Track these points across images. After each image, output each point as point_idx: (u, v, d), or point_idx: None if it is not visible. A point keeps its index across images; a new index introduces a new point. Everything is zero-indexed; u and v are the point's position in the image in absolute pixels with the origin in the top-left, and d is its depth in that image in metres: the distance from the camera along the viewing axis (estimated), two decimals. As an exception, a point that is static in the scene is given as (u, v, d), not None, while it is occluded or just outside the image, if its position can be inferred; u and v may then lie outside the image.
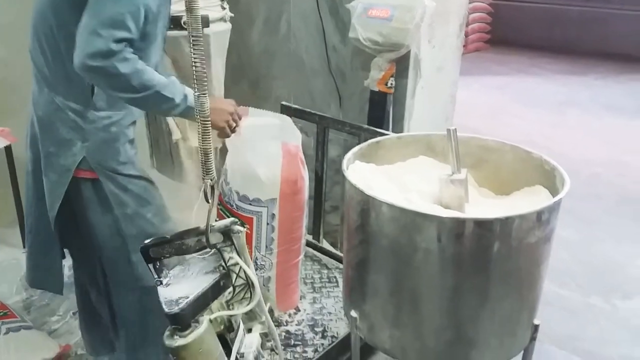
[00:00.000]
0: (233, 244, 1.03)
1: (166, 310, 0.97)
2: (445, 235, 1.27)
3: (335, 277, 2.21)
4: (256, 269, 1.90)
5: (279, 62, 2.68)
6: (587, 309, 2.53)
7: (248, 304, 1.05)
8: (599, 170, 4.08)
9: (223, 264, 1.03)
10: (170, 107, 1.42)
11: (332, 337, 1.88)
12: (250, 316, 1.16)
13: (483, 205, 1.55)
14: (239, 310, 1.04)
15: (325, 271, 2.25)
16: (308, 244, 2.41)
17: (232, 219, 1.08)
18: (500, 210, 1.38)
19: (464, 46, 8.58)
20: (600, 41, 8.06)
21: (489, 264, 1.30)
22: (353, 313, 1.51)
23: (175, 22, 1.81)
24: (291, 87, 2.66)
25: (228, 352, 1.05)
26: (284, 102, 2.29)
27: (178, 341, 0.96)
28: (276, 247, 1.88)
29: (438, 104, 2.42)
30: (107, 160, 1.50)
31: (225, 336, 1.05)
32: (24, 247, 2.70)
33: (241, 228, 1.04)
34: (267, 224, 1.83)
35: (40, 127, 1.50)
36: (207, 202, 1.06)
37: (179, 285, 1.01)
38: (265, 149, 1.78)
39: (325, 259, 2.34)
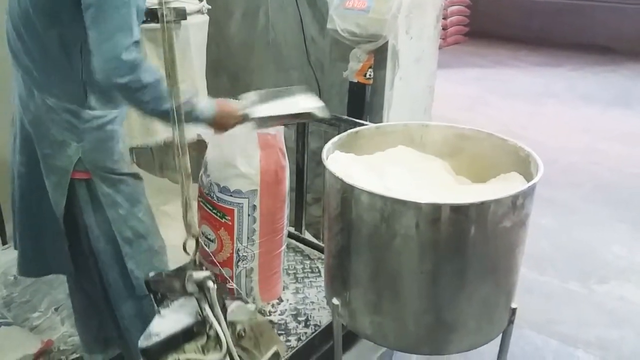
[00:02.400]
0: (206, 297, 1.11)
1: (139, 343, 1.07)
2: (422, 221, 1.29)
3: (317, 267, 2.23)
4: (238, 261, 1.90)
5: (257, 54, 2.69)
6: (565, 293, 2.60)
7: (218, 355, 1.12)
8: (575, 159, 4.17)
9: (199, 312, 1.12)
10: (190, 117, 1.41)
11: (315, 325, 1.90)
12: (251, 356, 1.23)
13: (460, 193, 1.57)
14: (207, 357, 1.11)
15: (308, 262, 2.27)
16: (290, 235, 2.42)
17: (207, 273, 1.13)
18: (476, 196, 1.40)
19: (443, 39, 8.63)
20: (577, 33, 8.19)
21: (465, 249, 1.32)
22: (335, 301, 1.53)
23: (153, 15, 1.80)
24: (270, 79, 2.66)
25: None
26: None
27: None
28: (258, 238, 1.88)
29: (416, 95, 2.44)
30: (102, 160, 1.48)
31: None
32: (3, 244, 2.68)
33: (212, 285, 1.10)
34: (249, 215, 1.84)
35: (33, 129, 1.46)
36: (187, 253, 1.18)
37: (168, 319, 1.11)
38: (244, 141, 1.78)
39: (307, 249, 2.36)
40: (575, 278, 2.70)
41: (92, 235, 1.55)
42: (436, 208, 1.29)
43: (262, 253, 1.92)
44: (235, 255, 1.90)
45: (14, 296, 2.36)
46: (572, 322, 2.38)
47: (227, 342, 1.11)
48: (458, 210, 1.28)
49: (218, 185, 1.85)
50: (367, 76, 2.12)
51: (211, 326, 1.11)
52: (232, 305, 1.23)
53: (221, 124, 1.52)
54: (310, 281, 2.14)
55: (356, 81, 2.15)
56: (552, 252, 2.92)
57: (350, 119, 2.04)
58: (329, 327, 1.66)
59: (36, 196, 1.54)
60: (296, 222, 2.41)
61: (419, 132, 1.76)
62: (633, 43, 7.72)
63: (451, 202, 1.31)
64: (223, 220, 1.87)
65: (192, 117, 1.41)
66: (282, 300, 2.02)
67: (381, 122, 2.21)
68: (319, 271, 2.20)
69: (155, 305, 1.17)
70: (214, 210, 1.89)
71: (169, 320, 1.11)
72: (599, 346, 2.22)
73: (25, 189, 1.58)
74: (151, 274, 1.20)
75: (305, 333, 1.86)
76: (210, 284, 1.10)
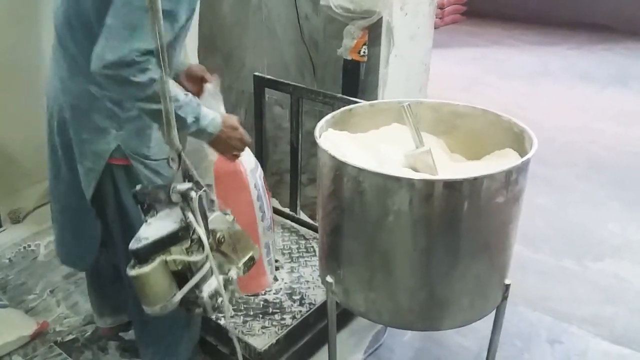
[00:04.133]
0: (189, 205, 1.21)
1: (130, 245, 1.19)
2: (416, 197, 1.28)
3: (312, 247, 2.23)
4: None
5: (251, 32, 2.65)
6: (559, 271, 2.60)
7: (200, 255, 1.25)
8: (572, 138, 4.15)
9: (183, 219, 1.22)
10: (181, 126, 1.36)
11: (310, 304, 1.90)
12: (229, 260, 1.34)
13: (454, 170, 1.57)
14: (190, 258, 1.24)
15: (303, 242, 2.26)
16: (285, 215, 2.42)
17: (190, 185, 1.22)
18: (469, 172, 1.40)
19: (440, 19, 8.49)
20: (575, 12, 8.10)
21: (459, 225, 1.32)
22: (329, 278, 1.53)
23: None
24: (264, 58, 2.63)
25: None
26: (256, 73, 2.27)
27: (131, 272, 1.19)
28: None
29: (412, 73, 2.42)
30: (139, 147, 1.50)
31: (187, 275, 1.25)
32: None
33: (194, 195, 1.20)
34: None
35: (73, 114, 1.48)
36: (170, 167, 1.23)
37: (154, 226, 1.22)
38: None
39: (302, 230, 2.35)
40: (570, 256, 2.71)
41: (130, 216, 1.56)
42: (429, 184, 1.28)
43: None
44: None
45: (9, 279, 2.37)
46: (567, 299, 2.39)
47: (206, 244, 1.23)
48: (451, 186, 1.28)
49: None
50: (362, 53, 2.10)
51: (194, 231, 1.23)
52: (213, 216, 1.35)
53: (225, 140, 1.51)
54: (305, 260, 2.14)
55: (350, 59, 2.13)
56: (547, 231, 2.92)
57: (345, 97, 2.02)
58: (324, 305, 1.66)
59: (70, 180, 1.57)
60: (291, 202, 2.41)
61: (413, 110, 1.74)
62: (631, 22, 7.65)
63: (444, 177, 1.30)
64: None
65: (195, 119, 1.40)
66: (277, 279, 2.02)
67: (376, 100, 2.19)
68: (314, 251, 2.20)
69: (142, 214, 1.26)
70: None
71: (155, 227, 1.23)
72: (592, 323, 2.23)
73: (65, 172, 1.60)
74: (138, 186, 1.26)
75: (300, 311, 1.87)
76: (193, 194, 1.20)
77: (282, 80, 2.22)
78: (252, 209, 1.85)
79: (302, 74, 2.51)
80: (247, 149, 1.87)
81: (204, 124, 1.43)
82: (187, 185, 1.22)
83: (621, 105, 4.92)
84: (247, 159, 1.85)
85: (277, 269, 2.07)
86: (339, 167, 1.37)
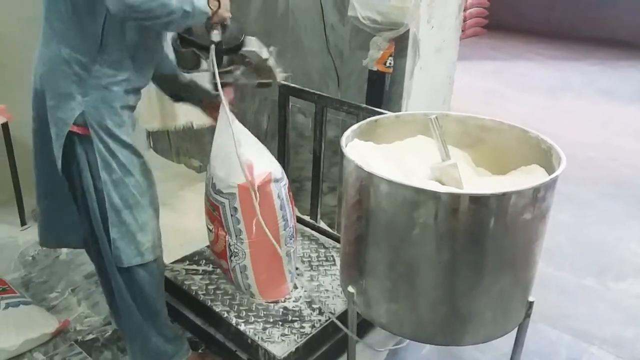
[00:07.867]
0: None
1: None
2: (442, 211, 1.28)
3: (332, 256, 2.23)
4: (231, 255, 1.89)
5: (277, 40, 2.67)
6: (581, 290, 2.57)
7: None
8: (593, 155, 4.11)
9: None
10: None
11: (330, 313, 1.89)
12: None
13: (480, 184, 1.56)
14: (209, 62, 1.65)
15: (323, 250, 2.27)
16: (306, 223, 2.42)
17: (219, 35, 1.62)
18: (496, 187, 1.39)
19: (461, 31, 8.55)
20: (597, 27, 8.06)
21: (484, 240, 1.31)
22: (350, 289, 1.53)
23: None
24: (289, 67, 2.65)
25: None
26: (282, 82, 2.28)
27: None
28: (246, 239, 1.84)
29: (436, 85, 2.42)
30: (104, 118, 1.52)
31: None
32: (22, 225, 2.72)
33: (212, 46, 1.62)
34: (231, 215, 1.82)
35: (44, 82, 1.52)
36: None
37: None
38: (231, 156, 1.75)
39: (322, 238, 2.35)
40: (591, 274, 2.67)
41: (89, 199, 1.60)
42: (455, 198, 1.28)
43: (254, 253, 1.86)
44: (227, 249, 1.89)
45: (32, 276, 2.40)
46: (587, 318, 2.36)
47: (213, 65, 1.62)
48: (478, 200, 1.27)
49: (212, 178, 1.86)
50: (387, 65, 2.11)
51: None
52: (250, 46, 1.76)
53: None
54: (325, 269, 2.14)
55: (376, 69, 2.14)
56: (569, 248, 2.89)
57: (369, 107, 2.02)
58: (343, 315, 1.66)
59: (47, 153, 1.59)
60: (311, 210, 2.41)
61: (439, 122, 1.74)
62: (655, 39, 7.60)
63: (472, 192, 1.30)
64: (215, 214, 1.88)
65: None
66: (296, 287, 2.03)
67: (400, 111, 2.20)
68: (334, 260, 2.20)
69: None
70: (207, 203, 1.91)
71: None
72: (613, 343, 2.20)
73: (37, 146, 1.64)
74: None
75: (320, 320, 1.87)
76: (212, 45, 1.61)
77: (307, 89, 2.24)
78: (275, 218, 1.86)
79: (326, 83, 2.53)
80: (272, 158, 1.89)
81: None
82: (217, 36, 1.61)
83: (643, 122, 4.87)
84: (274, 168, 1.86)
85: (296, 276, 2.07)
86: (365, 178, 1.38)
